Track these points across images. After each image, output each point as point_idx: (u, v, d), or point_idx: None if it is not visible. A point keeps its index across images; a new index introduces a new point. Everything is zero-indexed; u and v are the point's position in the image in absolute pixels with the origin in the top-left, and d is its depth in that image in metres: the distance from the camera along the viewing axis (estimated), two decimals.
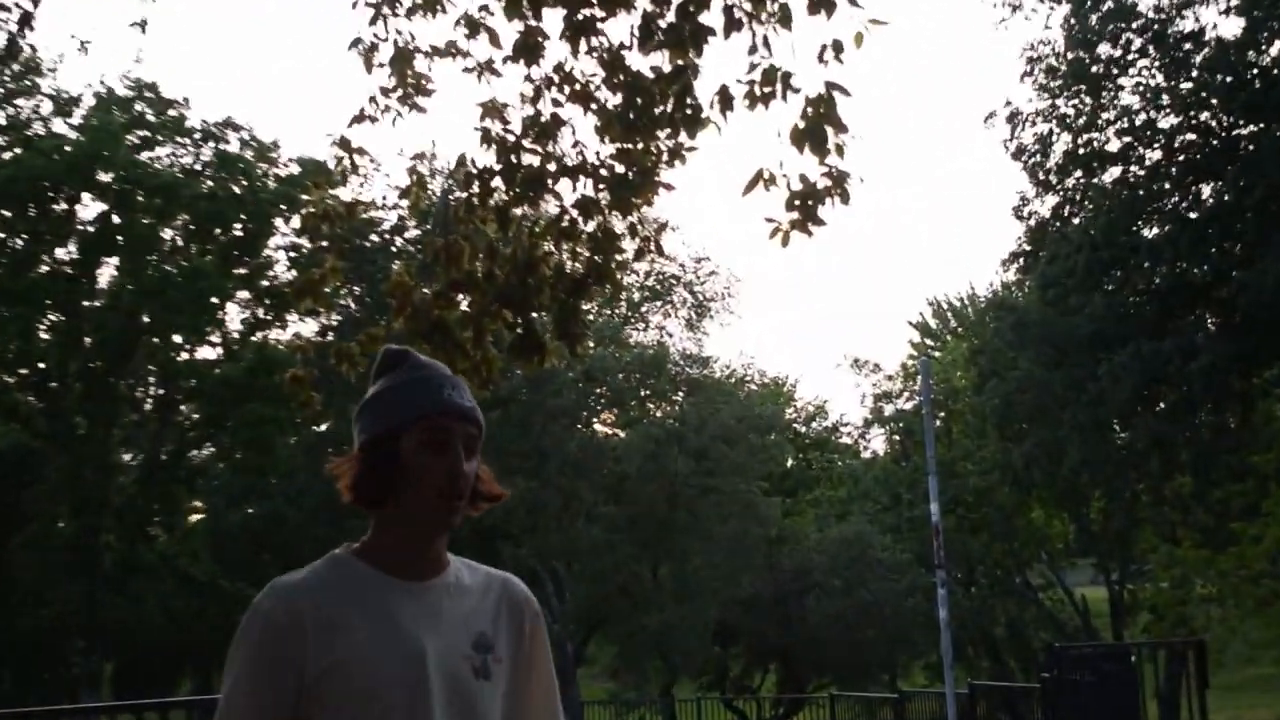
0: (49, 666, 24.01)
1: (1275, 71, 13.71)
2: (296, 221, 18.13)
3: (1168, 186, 15.11)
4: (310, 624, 1.58)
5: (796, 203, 4.14)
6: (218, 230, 23.29)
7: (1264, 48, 13.95)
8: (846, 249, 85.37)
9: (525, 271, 4.45)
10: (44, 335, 22.86)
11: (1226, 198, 14.01)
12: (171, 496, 24.68)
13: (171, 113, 23.22)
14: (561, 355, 4.77)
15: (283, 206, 22.68)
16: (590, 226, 4.47)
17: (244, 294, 24.29)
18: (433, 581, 1.68)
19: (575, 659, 21.79)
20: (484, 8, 4.26)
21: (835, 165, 4.04)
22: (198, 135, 23.33)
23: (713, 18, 4.10)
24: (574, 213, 4.43)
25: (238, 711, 1.59)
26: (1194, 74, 14.32)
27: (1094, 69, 14.80)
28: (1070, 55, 15.08)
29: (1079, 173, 15.47)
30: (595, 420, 23.72)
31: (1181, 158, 14.80)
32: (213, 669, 24.17)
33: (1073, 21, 14.93)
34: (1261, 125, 13.78)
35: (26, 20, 4.78)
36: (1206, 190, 14.86)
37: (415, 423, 1.64)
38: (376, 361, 1.77)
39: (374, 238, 21.40)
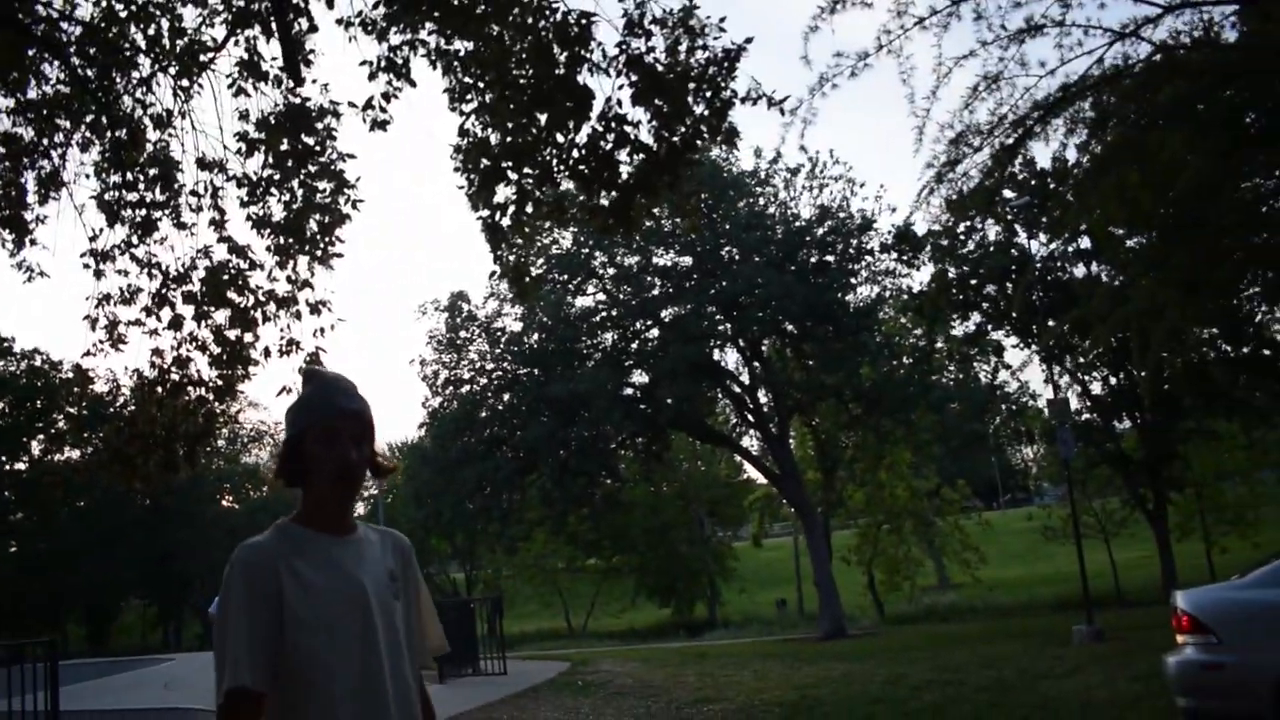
0: None
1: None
2: None
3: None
4: (281, 567, 2.17)
5: None
6: None
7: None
8: None
9: (169, 431, 9.05)
10: None
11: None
12: None
13: None
14: (186, 472, 9.33)
15: None
16: (203, 411, 9.23)
17: None
18: (350, 536, 2.33)
19: None
20: (157, 300, 8.99)
21: None
22: None
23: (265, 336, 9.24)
24: (196, 404, 9.16)
25: (241, 635, 2.10)
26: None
27: (458, 340, 22.46)
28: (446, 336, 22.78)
29: (450, 390, 22.63)
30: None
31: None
32: None
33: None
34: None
35: None
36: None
37: (312, 425, 2.27)
38: (301, 377, 2.51)
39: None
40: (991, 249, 24.30)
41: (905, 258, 24.58)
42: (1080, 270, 24.43)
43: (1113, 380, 24.62)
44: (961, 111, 8.68)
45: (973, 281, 24.98)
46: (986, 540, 34.85)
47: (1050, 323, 22.24)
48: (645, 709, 11.80)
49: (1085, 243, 22.99)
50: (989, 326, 26.19)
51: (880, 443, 25.90)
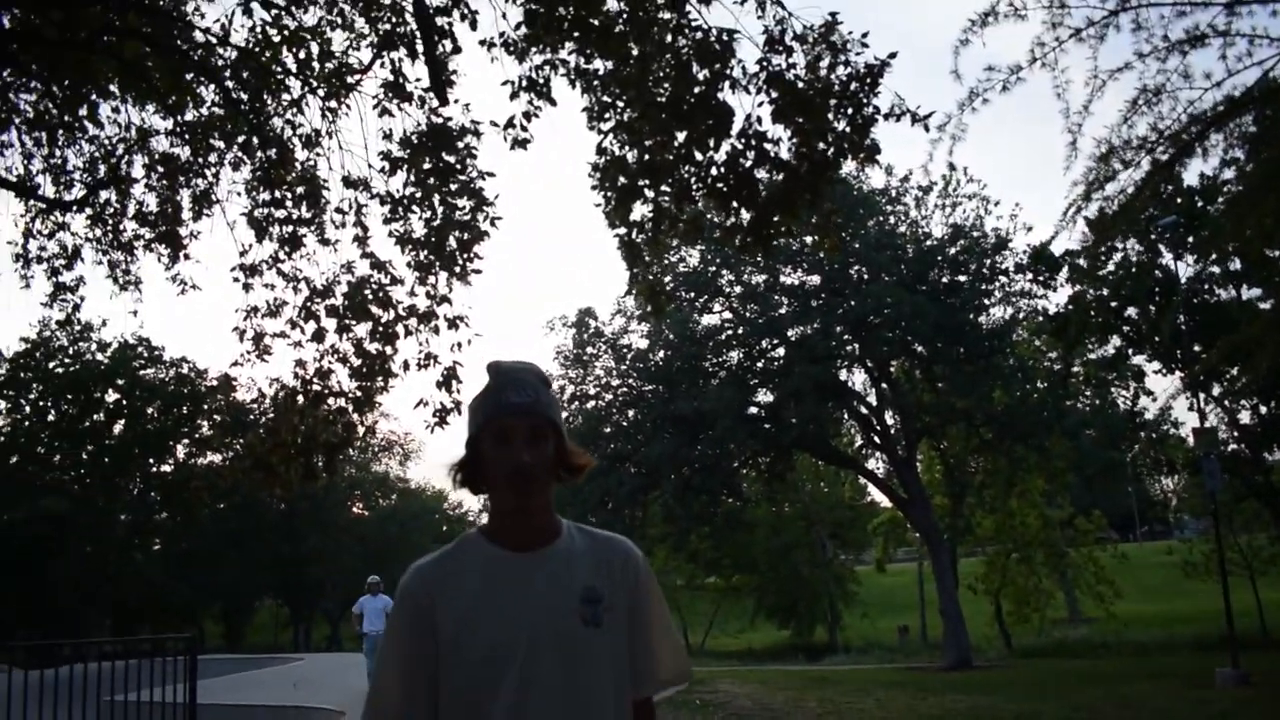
0: None
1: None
2: None
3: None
4: (438, 594, 2.02)
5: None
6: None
7: None
8: None
9: (309, 440, 9.32)
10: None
11: None
12: None
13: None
14: (325, 479, 9.59)
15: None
16: (343, 421, 9.47)
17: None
18: (544, 549, 2.08)
19: None
20: (302, 313, 9.29)
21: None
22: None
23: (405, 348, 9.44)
24: (336, 415, 9.41)
25: (391, 665, 2.04)
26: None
27: (584, 356, 22.86)
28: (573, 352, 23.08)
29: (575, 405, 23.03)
30: None
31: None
32: None
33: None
34: None
35: (76, 307, 9.12)
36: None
37: (484, 425, 2.07)
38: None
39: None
40: (1134, 270, 23.41)
41: (1041, 278, 23.85)
42: (1229, 293, 23.34)
43: (1263, 409, 23.34)
44: (1119, 126, 8.34)
45: (1113, 304, 24.10)
46: (1122, 573, 33.39)
47: (1196, 347, 21.26)
48: None
49: (1236, 264, 21.96)
50: (1129, 350, 25.23)
51: (1012, 469, 25.09)
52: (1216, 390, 23.43)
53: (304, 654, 36.13)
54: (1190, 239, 22.05)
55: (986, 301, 23.59)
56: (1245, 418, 24.00)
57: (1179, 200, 22.00)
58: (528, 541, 2.08)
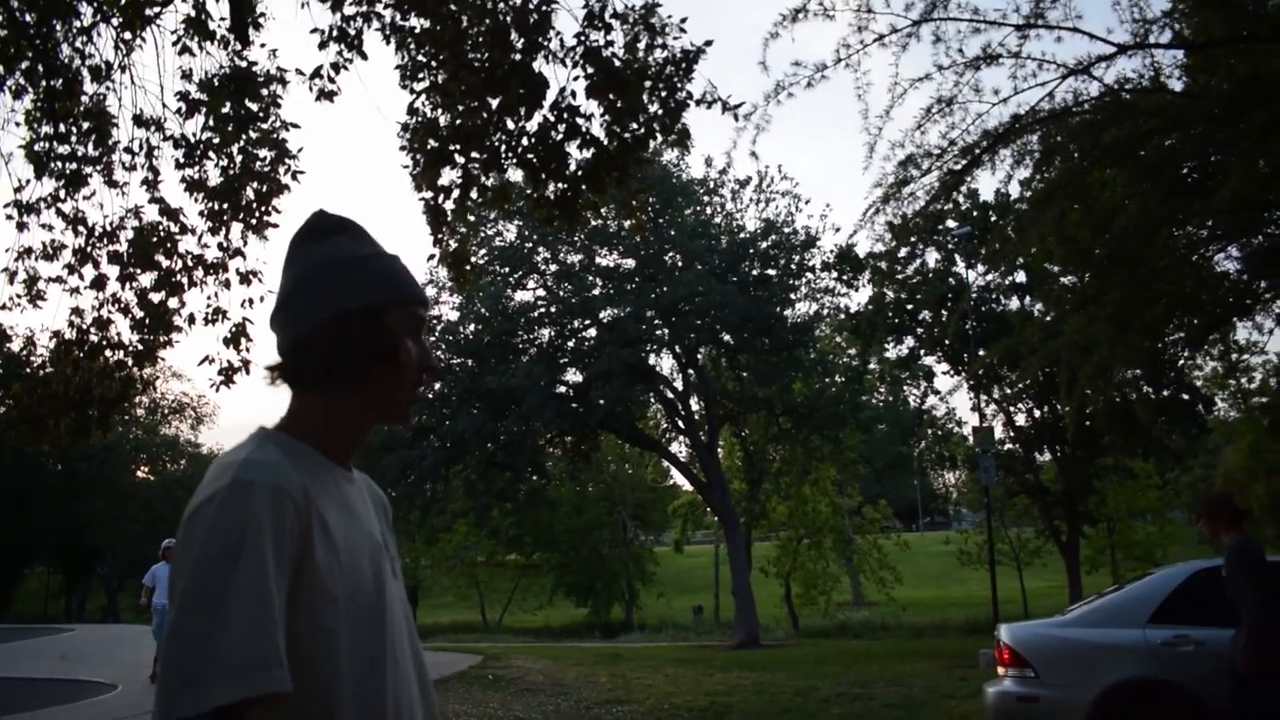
0: None
1: None
2: None
3: None
4: (316, 505, 1.36)
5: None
6: None
7: None
8: None
9: (84, 394, 8.75)
10: None
11: None
12: None
13: None
14: (98, 438, 9.03)
15: None
16: (121, 375, 8.94)
17: None
18: (353, 477, 1.55)
19: None
20: (81, 257, 8.70)
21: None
22: None
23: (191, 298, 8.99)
24: (115, 368, 8.87)
25: (260, 605, 1.23)
26: None
27: None
28: None
29: None
30: None
31: None
32: None
33: None
34: None
35: None
36: None
37: (396, 302, 1.50)
38: (306, 226, 1.56)
39: None
40: (930, 275, 24.65)
41: (845, 278, 24.84)
42: (1014, 303, 24.89)
43: (1036, 413, 25.06)
44: (913, 132, 8.74)
45: (909, 306, 25.30)
46: (903, 560, 35.32)
47: (981, 351, 22.62)
48: (554, 707, 11.72)
49: (1021, 277, 23.43)
50: (921, 351, 26.57)
51: (807, 458, 26.10)
52: (996, 393, 24.96)
53: (76, 625, 34.11)
54: (981, 250, 23.39)
55: (793, 296, 24.41)
56: (1020, 419, 25.69)
57: (974, 213, 23.28)
58: (348, 458, 1.55)
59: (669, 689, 13.04)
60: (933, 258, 24.98)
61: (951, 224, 22.06)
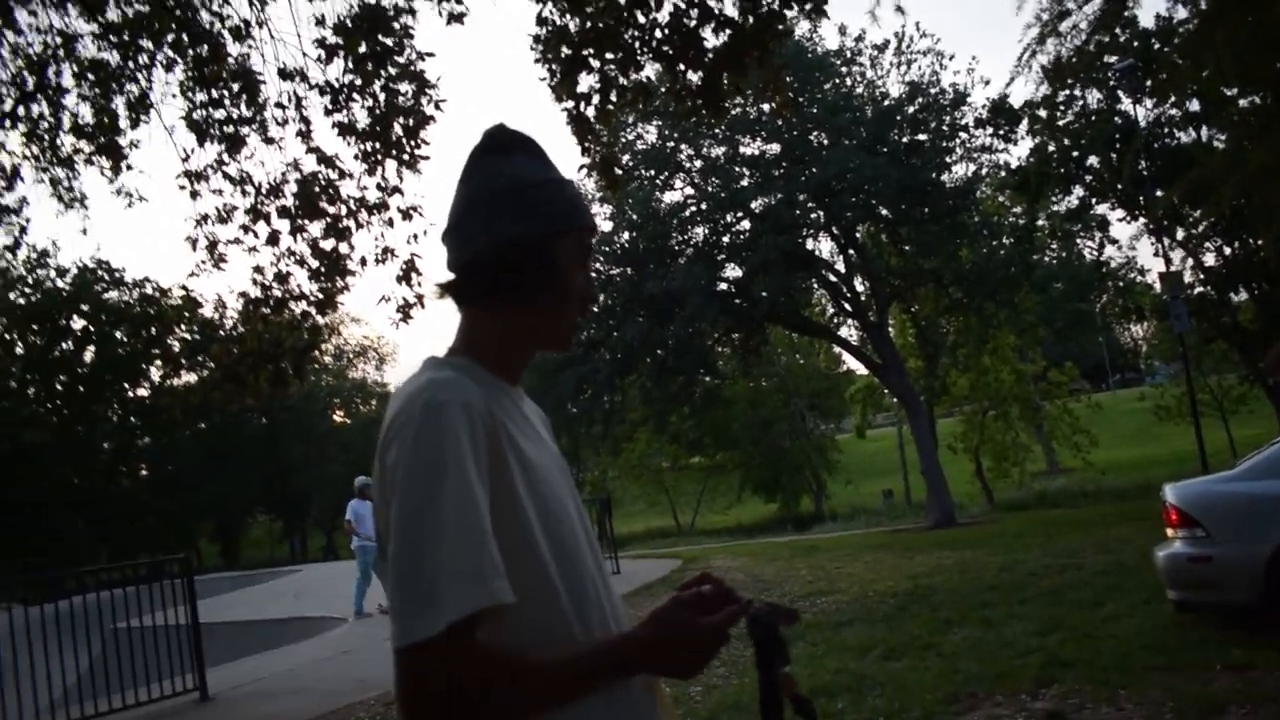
0: None
1: None
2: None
3: None
4: (493, 423, 1.35)
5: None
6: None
7: None
8: None
9: (275, 347, 9.22)
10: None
11: None
12: None
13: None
14: (295, 388, 9.53)
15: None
16: (308, 325, 9.37)
17: None
18: (521, 391, 1.57)
19: None
20: (253, 215, 9.09)
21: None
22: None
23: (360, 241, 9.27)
24: (300, 318, 9.30)
25: (471, 521, 1.24)
26: None
27: None
28: None
29: None
30: None
31: None
32: None
33: None
34: None
35: (23, 229, 8.88)
36: None
37: (570, 229, 1.51)
38: (483, 141, 1.56)
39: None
40: (1093, 118, 23.23)
41: (1002, 132, 23.65)
42: (1191, 136, 23.24)
43: (1227, 250, 23.50)
44: None
45: (1074, 154, 23.97)
46: (1097, 423, 34.05)
47: (1159, 192, 21.27)
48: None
49: (1195, 105, 21.82)
50: (1093, 200, 25.22)
51: (983, 326, 25.28)
52: (1180, 235, 23.52)
53: (301, 565, 36.63)
54: (1148, 82, 21.84)
55: (948, 159, 23.40)
56: (1210, 260, 24.15)
57: (1135, 44, 21.71)
58: (518, 378, 1.56)
59: (870, 575, 13.01)
60: (1094, 99, 23.54)
61: (1111, 59, 20.64)
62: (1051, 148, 23.27)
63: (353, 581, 14.52)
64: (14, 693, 8.37)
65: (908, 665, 7.35)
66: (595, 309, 1.21)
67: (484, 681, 1.23)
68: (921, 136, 22.93)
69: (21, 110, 9.55)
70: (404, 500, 1.26)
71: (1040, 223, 26.19)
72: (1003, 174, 24.78)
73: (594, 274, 1.55)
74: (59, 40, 9.38)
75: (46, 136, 9.93)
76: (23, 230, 10.02)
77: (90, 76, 9.56)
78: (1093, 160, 23.96)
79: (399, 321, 8.69)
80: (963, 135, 23.38)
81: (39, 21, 9.40)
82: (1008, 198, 27.66)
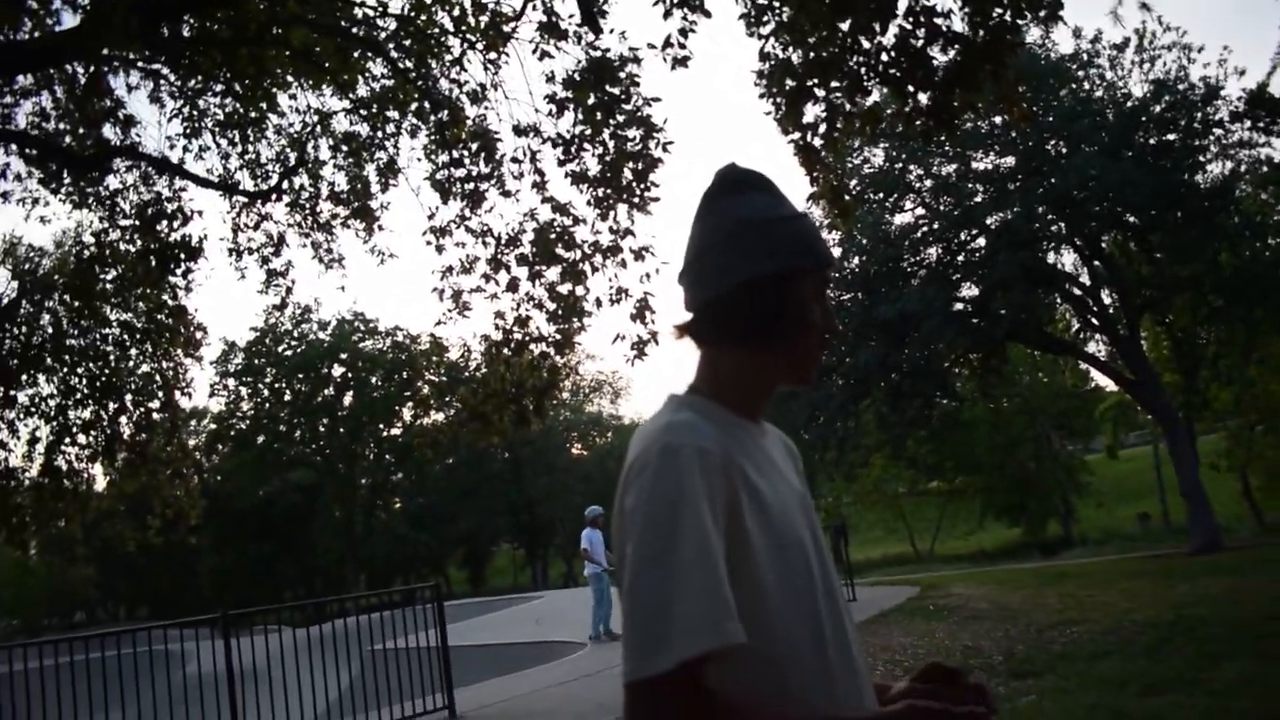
0: None
1: None
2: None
3: None
4: (735, 468, 1.37)
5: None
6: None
7: None
8: None
9: (518, 387, 9.60)
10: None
11: None
12: None
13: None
14: (536, 425, 9.88)
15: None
16: (547, 365, 9.71)
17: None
18: (766, 430, 1.56)
19: None
20: (494, 265, 9.52)
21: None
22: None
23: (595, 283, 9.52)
24: (540, 359, 9.65)
25: (703, 566, 1.26)
26: None
27: None
28: None
29: None
30: None
31: None
32: None
33: None
34: None
35: (289, 290, 9.77)
36: None
37: (812, 268, 1.51)
38: (718, 180, 1.58)
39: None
40: None
41: (1262, 124, 21.81)
42: None
43: None
44: None
45: None
46: None
47: None
48: (1004, 632, 11.27)
49: None
50: None
51: (1249, 335, 23.30)
52: None
53: (543, 591, 37.82)
54: None
55: (1202, 158, 21.79)
56: None
57: None
58: (759, 413, 1.57)
59: (1127, 604, 12.15)
60: None
61: None
62: None
63: (588, 608, 14.96)
64: (284, 706, 9.01)
65: (1171, 702, 6.78)
66: (834, 342, 1.18)
67: None
68: (1170, 136, 21.45)
69: (286, 184, 10.41)
70: (640, 543, 1.30)
71: None
72: (1265, 169, 22.84)
73: (832, 309, 1.53)
74: (316, 118, 10.18)
75: (307, 205, 10.79)
76: (289, 291, 10.89)
77: (344, 148, 10.34)
78: None
79: (634, 359, 8.85)
80: (1217, 131, 21.71)
81: (298, 104, 10.24)
82: (1271, 194, 25.47)
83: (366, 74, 10.00)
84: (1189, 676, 7.45)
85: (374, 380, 49.06)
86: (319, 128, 10.46)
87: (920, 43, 6.23)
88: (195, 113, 10.05)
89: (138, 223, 10.12)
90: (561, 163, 8.59)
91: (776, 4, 6.97)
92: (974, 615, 13.09)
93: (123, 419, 11.05)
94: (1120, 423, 36.13)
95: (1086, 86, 22.44)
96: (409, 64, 9.63)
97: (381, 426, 50.45)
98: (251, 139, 10.58)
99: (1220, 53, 45.24)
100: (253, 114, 10.09)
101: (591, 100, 8.15)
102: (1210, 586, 12.82)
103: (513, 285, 9.50)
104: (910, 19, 6.26)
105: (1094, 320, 24.48)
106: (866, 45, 6.41)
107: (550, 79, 8.42)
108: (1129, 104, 21.80)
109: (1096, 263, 23.34)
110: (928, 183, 22.70)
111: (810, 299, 1.50)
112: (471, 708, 10.30)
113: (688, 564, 1.26)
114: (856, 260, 23.12)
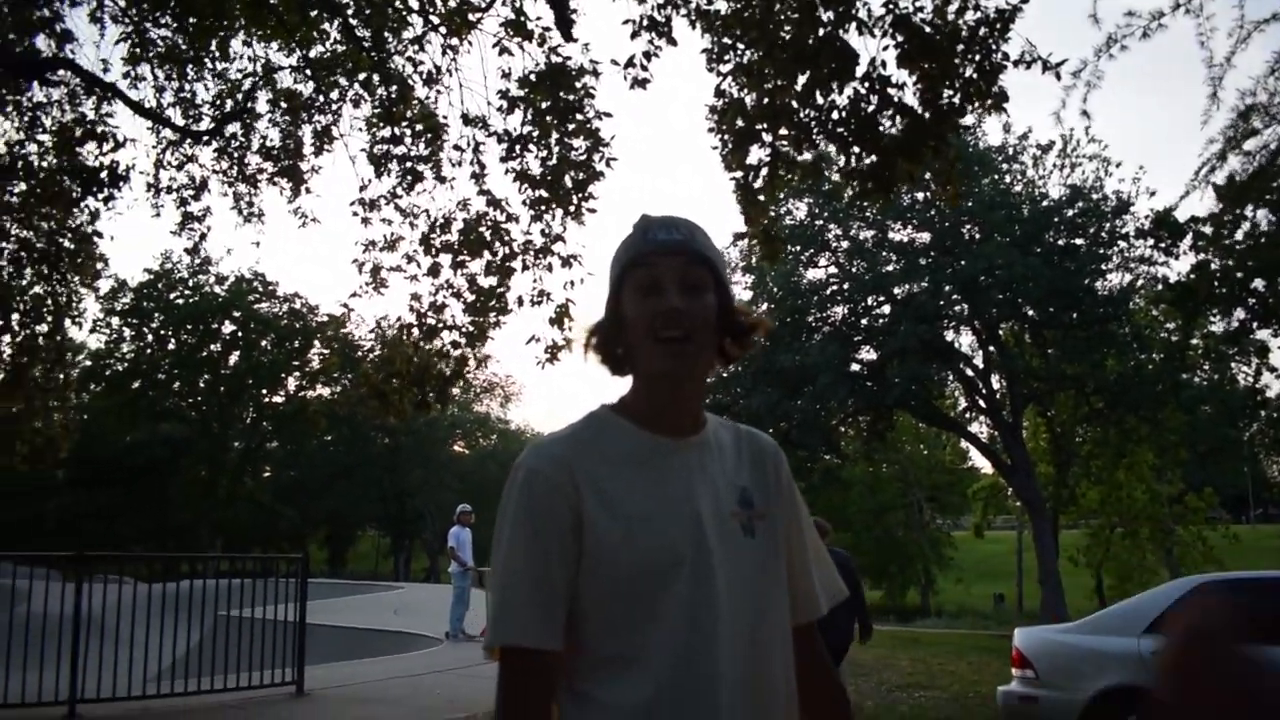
0: None
1: None
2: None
3: None
4: (583, 484, 1.47)
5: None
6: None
7: None
8: None
9: (423, 371, 9.55)
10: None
11: None
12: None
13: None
14: (437, 409, 9.84)
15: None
16: (455, 354, 9.69)
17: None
18: (693, 438, 1.57)
19: None
20: (425, 246, 9.49)
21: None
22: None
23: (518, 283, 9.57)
24: (450, 348, 9.63)
25: (519, 577, 1.44)
26: None
27: None
28: None
29: None
30: None
31: None
32: None
33: None
34: None
35: (204, 236, 9.52)
36: None
37: (626, 273, 1.55)
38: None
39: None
40: (1262, 240, 22.35)
41: (1164, 245, 22.93)
42: None
43: None
44: (1266, 78, 7.95)
45: (1239, 274, 23.09)
46: (1233, 555, 32.24)
47: None
48: (855, 687, 11.58)
49: None
50: (1254, 325, 24.19)
51: (1122, 440, 24.40)
52: None
53: (403, 583, 37.28)
54: None
55: (1104, 266, 22.84)
56: None
57: None
58: (676, 424, 1.56)
59: (973, 676, 12.62)
60: (1265, 219, 22.69)
61: None
62: (1215, 265, 22.48)
63: (449, 604, 14.90)
64: (126, 657, 8.78)
65: None
66: (671, 325, 1.21)
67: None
68: (1078, 240, 22.47)
69: (217, 129, 10.21)
70: (494, 546, 1.53)
71: (1194, 341, 25.23)
72: (1160, 287, 24.00)
73: (666, 296, 1.52)
74: (261, 70, 10.02)
75: (236, 155, 10.57)
76: (203, 237, 10.60)
77: (284, 104, 10.18)
78: (1259, 283, 23.05)
79: (546, 361, 8.89)
80: (1122, 244, 22.80)
81: (248, 52, 10.06)
82: (1162, 312, 26.76)
83: (322, 34, 9.90)
84: None
85: (264, 344, 47.73)
86: (262, 80, 10.29)
87: (871, 108, 6.47)
88: (140, 39, 9.79)
89: (57, 139, 9.80)
90: (504, 158, 8.62)
91: (740, 45, 7.17)
92: None
93: (5, 338, 10.60)
94: (990, 504, 37.27)
95: (1008, 180, 23.34)
96: (366, 33, 9.57)
97: (264, 392, 49.08)
98: (191, 77, 10.35)
99: (1136, 170, 47.15)
100: (200, 52, 9.88)
101: (545, 103, 8.22)
102: None
103: (434, 270, 9.47)
104: (866, 84, 6.50)
105: (981, 402, 25.33)
106: (820, 101, 6.63)
107: (507, 75, 8.47)
108: (1045, 203, 22.76)
109: (991, 348, 24.20)
110: (844, 244, 23.29)
111: (630, 295, 1.55)
112: (319, 686, 10.15)
113: (503, 571, 1.48)
114: (764, 306, 23.57)
